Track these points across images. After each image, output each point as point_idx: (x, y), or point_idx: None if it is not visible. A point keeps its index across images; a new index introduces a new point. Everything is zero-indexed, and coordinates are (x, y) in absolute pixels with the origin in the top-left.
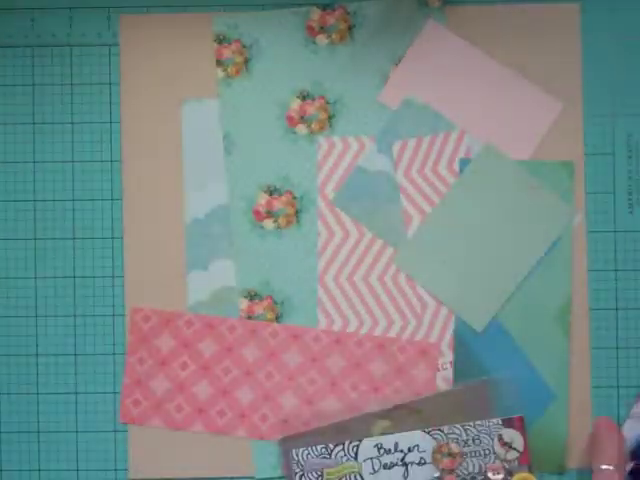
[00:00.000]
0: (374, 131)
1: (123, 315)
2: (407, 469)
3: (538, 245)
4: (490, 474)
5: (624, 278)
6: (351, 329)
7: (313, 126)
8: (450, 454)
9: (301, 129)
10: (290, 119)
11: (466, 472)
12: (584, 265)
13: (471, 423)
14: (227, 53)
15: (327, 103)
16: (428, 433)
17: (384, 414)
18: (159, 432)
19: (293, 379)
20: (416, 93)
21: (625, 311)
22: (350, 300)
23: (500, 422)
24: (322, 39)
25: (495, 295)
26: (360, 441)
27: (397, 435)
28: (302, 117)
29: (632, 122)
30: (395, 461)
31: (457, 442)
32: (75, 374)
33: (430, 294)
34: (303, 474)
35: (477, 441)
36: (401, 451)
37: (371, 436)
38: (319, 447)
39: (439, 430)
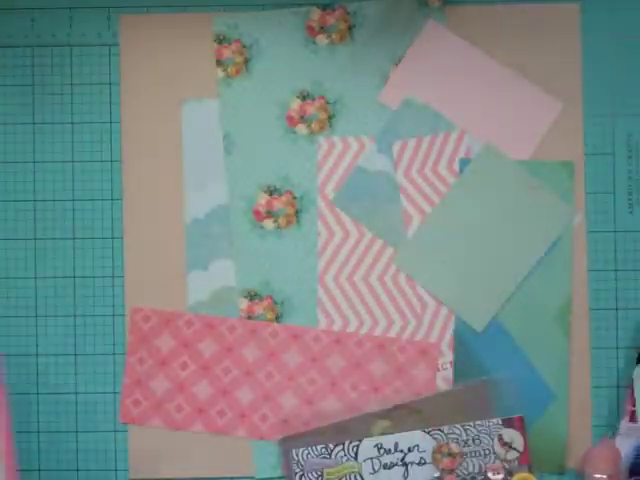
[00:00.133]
0: (374, 131)
1: (123, 315)
2: (407, 469)
3: (538, 245)
4: (490, 474)
5: (624, 278)
6: (351, 329)
7: (313, 126)
8: (450, 454)
9: (301, 129)
10: (290, 119)
11: (466, 472)
12: (584, 265)
13: (471, 423)
14: (227, 53)
15: (327, 103)
16: (428, 433)
17: (384, 414)
18: (159, 432)
19: (293, 379)
20: (416, 93)
21: (625, 311)
22: (350, 300)
23: (500, 422)
24: (322, 39)
25: (495, 295)
26: (360, 441)
27: (397, 435)
28: (302, 117)
29: (632, 122)
30: (395, 461)
31: (457, 442)
32: (75, 374)
33: (430, 294)
34: (303, 474)
35: (477, 441)
36: (401, 451)
37: (371, 436)
38: (319, 447)
39: (439, 430)
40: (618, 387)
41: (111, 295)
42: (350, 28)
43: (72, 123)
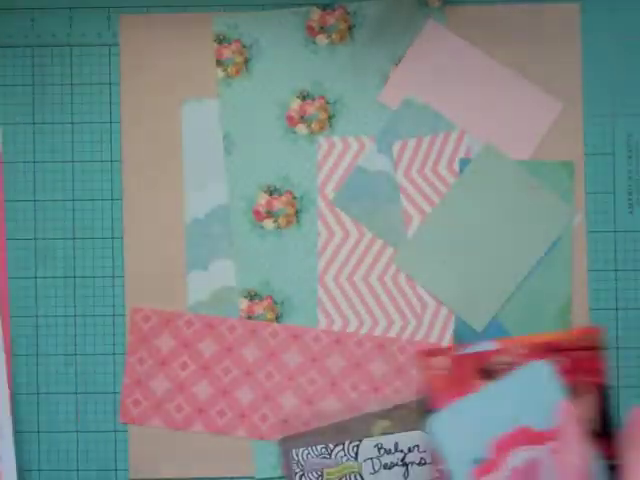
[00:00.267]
0: (374, 131)
1: (123, 315)
2: (407, 469)
3: (538, 245)
4: None
5: (624, 278)
6: (351, 329)
7: (313, 126)
8: None
9: (301, 129)
10: (290, 119)
11: None
12: (584, 265)
13: None
14: (227, 53)
15: (327, 103)
16: None
17: (384, 414)
18: (159, 432)
19: (293, 379)
20: (416, 93)
21: (625, 311)
22: (350, 300)
23: None
24: (322, 39)
25: (495, 295)
26: (360, 441)
27: (397, 435)
28: (302, 117)
29: (632, 122)
30: (395, 461)
31: None
32: (75, 374)
33: (430, 294)
34: (303, 474)
35: None
36: (401, 451)
37: (371, 436)
38: (319, 447)
39: None
40: (618, 387)
41: (111, 295)
42: (350, 28)
43: (72, 123)
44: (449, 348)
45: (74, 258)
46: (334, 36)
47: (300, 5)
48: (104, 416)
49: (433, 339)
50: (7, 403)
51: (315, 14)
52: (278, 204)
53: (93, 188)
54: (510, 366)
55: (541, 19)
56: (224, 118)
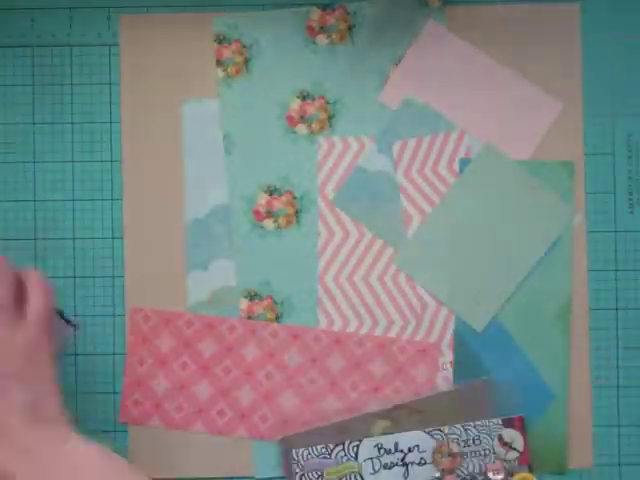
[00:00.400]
0: (374, 131)
1: (123, 315)
2: (407, 469)
3: (538, 245)
4: (490, 474)
5: (624, 278)
6: (351, 329)
7: (313, 126)
8: (450, 454)
9: (301, 129)
10: (290, 119)
11: (466, 472)
12: (584, 265)
13: (471, 423)
14: (227, 53)
15: (327, 103)
16: (428, 433)
17: (384, 414)
18: (159, 432)
19: (293, 379)
20: (416, 93)
21: (625, 311)
22: (350, 300)
23: (500, 422)
24: (322, 39)
25: (495, 295)
26: (360, 441)
27: (397, 435)
28: (302, 117)
29: (632, 122)
30: (395, 461)
31: (457, 442)
32: (75, 374)
33: (430, 294)
34: (303, 474)
35: (477, 441)
36: (401, 451)
37: (371, 436)
38: (319, 447)
39: (439, 430)
40: (618, 387)
41: (111, 295)
42: (350, 28)
43: (72, 123)
44: None
45: (74, 258)
46: (334, 36)
47: (300, 5)
48: (104, 416)
49: (433, 339)
50: None
51: (315, 14)
52: (278, 204)
53: (93, 188)
54: None
55: (541, 19)
56: (224, 118)
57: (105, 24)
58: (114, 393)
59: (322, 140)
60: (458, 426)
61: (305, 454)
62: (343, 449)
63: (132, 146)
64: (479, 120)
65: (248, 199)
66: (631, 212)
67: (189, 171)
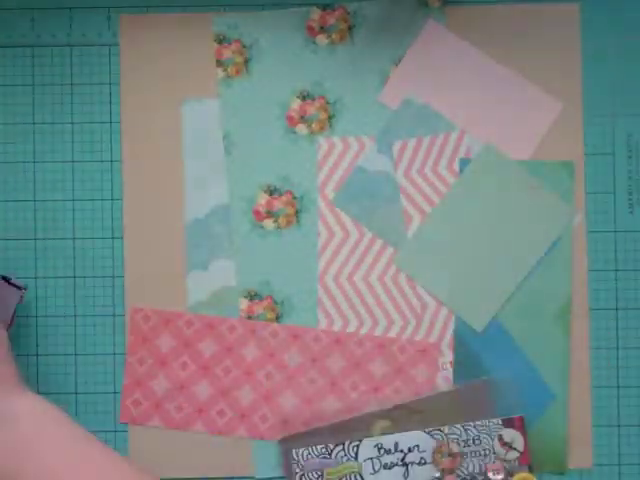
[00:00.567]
0: (374, 131)
1: (123, 315)
2: (407, 469)
3: (538, 245)
4: (490, 474)
5: (624, 278)
6: (351, 329)
7: (313, 126)
8: (450, 454)
9: (301, 129)
10: (290, 119)
11: (466, 472)
12: (584, 265)
13: (471, 423)
14: (227, 53)
15: (327, 103)
16: (428, 433)
17: (384, 414)
18: (159, 432)
19: (293, 379)
20: (416, 93)
21: (625, 311)
22: (350, 300)
23: (500, 422)
24: (322, 39)
25: (495, 295)
26: (360, 441)
27: (397, 435)
28: (302, 117)
29: (632, 122)
30: (395, 461)
31: (457, 442)
32: (75, 374)
33: (430, 294)
34: (303, 474)
35: (477, 441)
36: (401, 451)
37: (371, 436)
38: (319, 447)
39: (439, 430)
40: (618, 387)
41: (111, 295)
42: (350, 28)
43: (72, 123)
44: None
45: (74, 258)
46: (334, 36)
47: (300, 5)
48: (104, 416)
49: (433, 339)
50: None
51: (315, 14)
52: (278, 204)
53: (93, 188)
54: None
55: (541, 19)
56: (224, 118)
57: (105, 24)
58: (114, 393)
59: (322, 140)
60: (458, 426)
61: (305, 454)
62: (343, 449)
63: (132, 146)
64: (479, 120)
65: (248, 199)
66: (631, 212)
67: (189, 171)
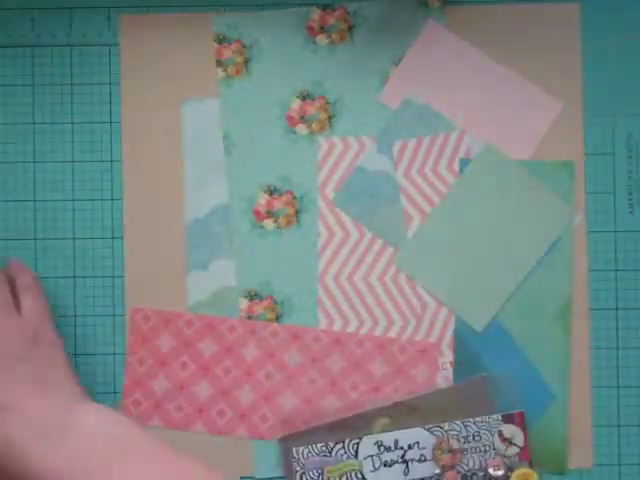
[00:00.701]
0: (374, 131)
1: (123, 315)
2: (407, 466)
3: (538, 245)
4: (491, 470)
5: (624, 278)
6: (351, 329)
7: (313, 126)
8: (450, 450)
9: (301, 129)
10: (290, 119)
11: (466, 468)
12: (584, 265)
13: (471, 419)
14: (227, 53)
15: (327, 103)
16: (428, 430)
17: (384, 411)
18: (159, 432)
19: (293, 379)
20: (416, 93)
21: (625, 311)
22: (350, 300)
23: (500, 418)
24: (322, 39)
25: (495, 295)
26: (360, 439)
27: (397, 432)
28: (302, 117)
29: (632, 122)
30: (395, 458)
31: (457, 438)
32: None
33: (430, 294)
34: (304, 472)
35: (477, 437)
36: (401, 448)
37: (371, 434)
38: (319, 445)
39: (439, 427)
40: (618, 387)
41: (111, 295)
42: (350, 28)
43: (72, 123)
44: None
45: (74, 258)
46: (334, 36)
47: (300, 5)
48: None
49: (433, 339)
50: None
51: (315, 14)
52: (278, 204)
53: (93, 188)
54: None
55: (541, 19)
56: (224, 118)
57: (105, 24)
58: (114, 393)
59: (322, 140)
60: (458, 422)
61: (305, 452)
62: (343, 447)
63: (132, 146)
64: (479, 120)
65: (248, 199)
66: (631, 212)
67: (189, 171)
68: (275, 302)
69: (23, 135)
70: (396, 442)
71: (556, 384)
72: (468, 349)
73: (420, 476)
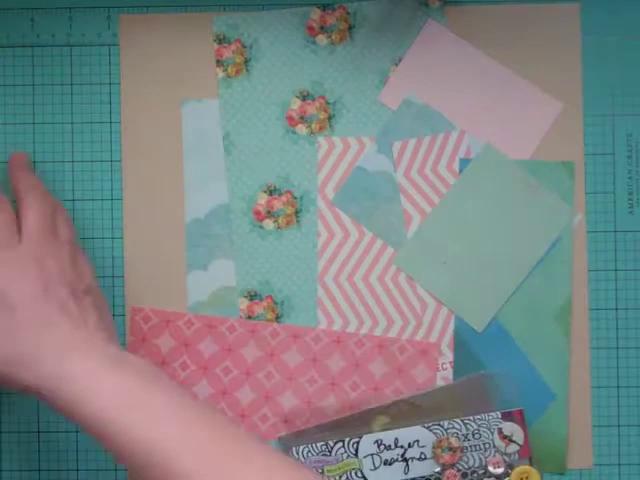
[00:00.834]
0: (374, 131)
1: (123, 315)
2: (408, 464)
3: (538, 245)
4: (491, 468)
5: (624, 278)
6: (351, 329)
7: (313, 126)
8: (450, 449)
9: (301, 129)
10: (290, 119)
11: (467, 466)
12: (584, 265)
13: (471, 417)
14: (227, 53)
15: (327, 103)
16: (428, 428)
17: (383, 410)
18: None
19: (293, 379)
20: (416, 93)
21: (625, 311)
22: (350, 300)
23: (500, 416)
24: (322, 39)
25: (495, 295)
26: (360, 437)
27: (397, 431)
28: (302, 117)
29: (632, 122)
30: (395, 457)
31: (457, 436)
32: None
33: (430, 294)
34: None
35: (477, 435)
36: (401, 447)
37: (371, 432)
38: (319, 444)
39: (439, 425)
40: (618, 387)
41: (111, 295)
42: (350, 28)
43: (72, 123)
44: None
45: None
46: (334, 36)
47: (300, 5)
48: None
49: (433, 339)
50: None
51: (315, 14)
52: (278, 204)
53: (93, 188)
54: None
55: (541, 19)
56: (224, 118)
57: (105, 24)
58: None
59: (322, 140)
60: (458, 420)
61: (305, 452)
62: (343, 446)
63: (132, 146)
64: (479, 120)
65: (248, 199)
66: (631, 212)
67: (189, 171)
68: (275, 302)
69: (23, 135)
70: (396, 440)
71: (556, 384)
72: (468, 349)
73: (420, 474)
